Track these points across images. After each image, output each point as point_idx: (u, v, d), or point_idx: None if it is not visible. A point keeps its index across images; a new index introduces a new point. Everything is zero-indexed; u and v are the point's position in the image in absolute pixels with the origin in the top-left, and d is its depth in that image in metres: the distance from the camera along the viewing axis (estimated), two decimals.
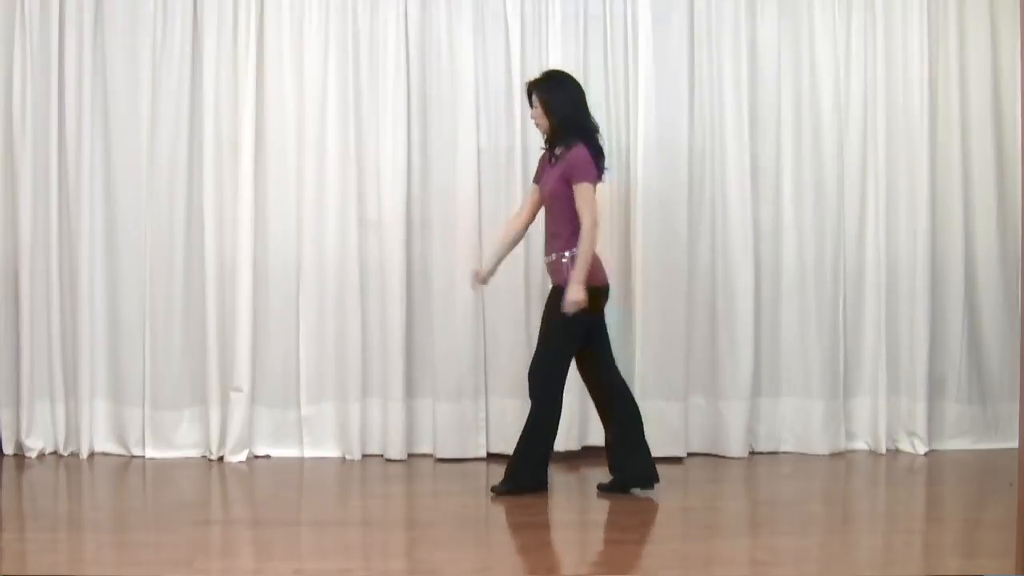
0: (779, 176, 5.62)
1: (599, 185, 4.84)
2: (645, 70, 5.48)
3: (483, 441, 5.51)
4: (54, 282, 5.43)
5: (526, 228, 5.06)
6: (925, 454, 5.58)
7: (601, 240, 5.50)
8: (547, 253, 4.88)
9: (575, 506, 4.89)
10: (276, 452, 5.55)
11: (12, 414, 5.47)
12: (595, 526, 4.56)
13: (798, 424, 5.63)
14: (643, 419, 4.92)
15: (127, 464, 5.45)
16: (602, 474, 5.37)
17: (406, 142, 5.48)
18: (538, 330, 4.92)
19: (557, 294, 4.77)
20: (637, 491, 4.87)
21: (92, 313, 5.46)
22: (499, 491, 4.83)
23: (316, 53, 5.46)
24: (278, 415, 5.55)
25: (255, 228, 5.46)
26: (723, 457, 5.56)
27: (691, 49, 5.55)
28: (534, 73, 5.47)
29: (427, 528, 4.54)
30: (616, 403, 4.91)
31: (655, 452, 5.46)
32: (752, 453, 5.62)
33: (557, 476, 5.16)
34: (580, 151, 4.73)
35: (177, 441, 5.51)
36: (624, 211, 5.57)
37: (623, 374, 5.56)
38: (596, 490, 4.91)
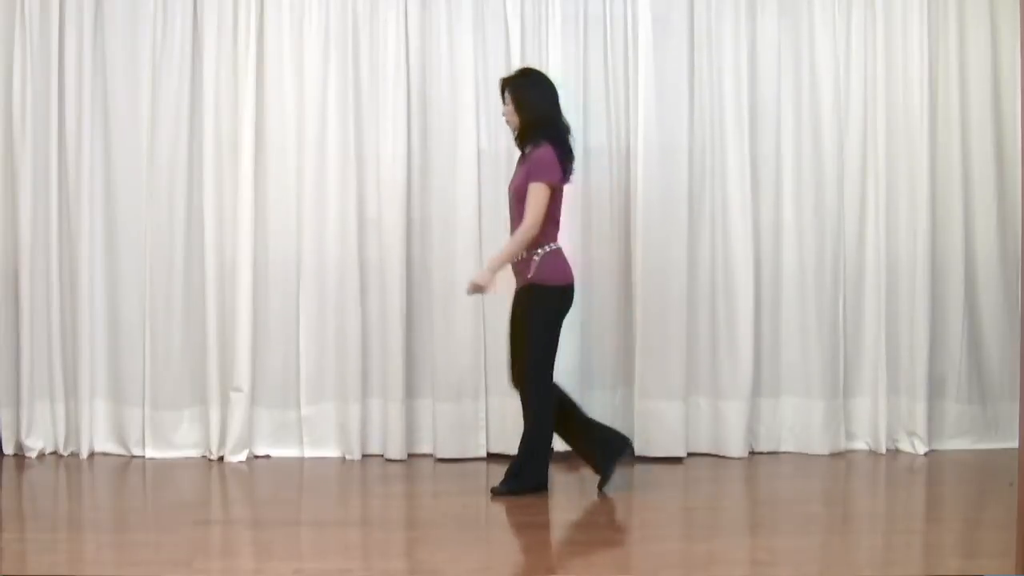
0: (779, 176, 5.62)
1: (568, 186, 4.86)
2: (645, 70, 5.48)
3: (483, 441, 5.51)
4: (54, 282, 5.43)
5: None
6: (925, 454, 5.58)
7: (599, 239, 5.56)
8: None
9: (575, 506, 4.89)
10: (276, 452, 5.55)
11: (12, 414, 5.47)
12: (595, 526, 4.56)
13: (798, 424, 5.63)
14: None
15: (127, 464, 5.45)
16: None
17: (406, 142, 5.48)
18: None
19: (527, 294, 4.77)
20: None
21: (92, 313, 5.47)
22: (499, 492, 4.83)
23: (316, 53, 5.46)
24: (278, 415, 5.56)
25: (255, 228, 5.47)
26: (723, 457, 5.56)
27: (691, 49, 5.55)
28: None
29: (427, 528, 4.54)
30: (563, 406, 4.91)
31: (655, 452, 5.49)
32: (752, 453, 5.62)
33: (557, 476, 5.16)
34: (546, 151, 4.72)
35: (177, 441, 5.51)
36: (624, 211, 5.57)
37: (624, 374, 5.60)
38: (598, 492, 4.90)
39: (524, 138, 4.84)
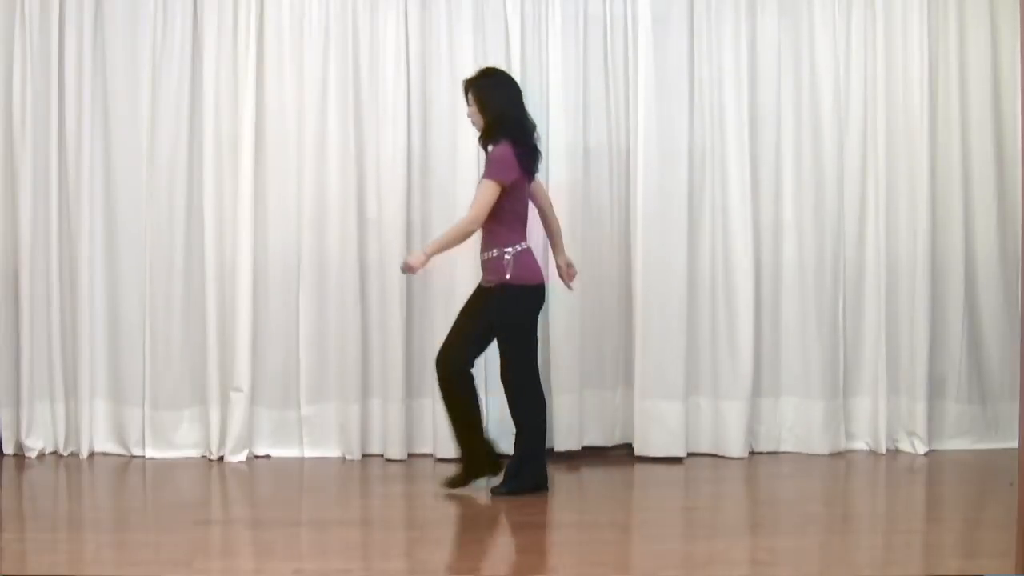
0: (779, 176, 5.62)
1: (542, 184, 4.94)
2: (645, 70, 5.48)
3: None
4: (54, 282, 5.43)
5: (546, 216, 5.06)
6: (925, 454, 5.58)
7: (599, 239, 5.56)
8: (484, 250, 4.84)
9: (575, 506, 4.89)
10: (276, 452, 5.55)
11: (12, 414, 5.46)
12: (595, 526, 4.55)
13: (798, 424, 5.63)
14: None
15: (127, 464, 5.45)
16: (603, 474, 5.39)
17: (406, 142, 5.48)
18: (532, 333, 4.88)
19: (504, 294, 4.76)
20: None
21: (92, 313, 5.46)
22: (499, 492, 4.83)
23: (316, 53, 5.46)
24: (278, 415, 5.56)
25: (255, 228, 5.46)
26: (723, 457, 5.56)
27: (691, 49, 5.55)
28: (534, 73, 5.51)
29: (427, 528, 4.54)
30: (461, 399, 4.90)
31: (656, 452, 5.49)
32: (752, 453, 5.61)
33: (557, 476, 5.16)
34: (502, 149, 4.72)
35: (177, 441, 5.51)
36: (624, 211, 5.58)
37: (624, 374, 5.59)
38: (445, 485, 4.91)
39: (487, 137, 4.84)
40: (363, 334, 5.48)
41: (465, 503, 4.83)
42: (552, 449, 5.48)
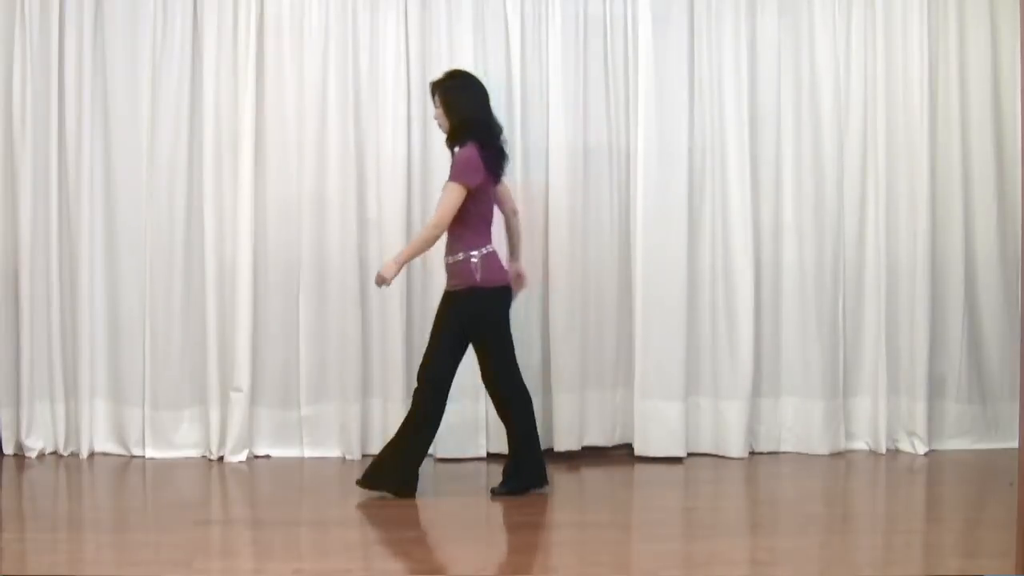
0: (779, 176, 5.62)
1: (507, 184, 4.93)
2: (645, 70, 5.48)
3: (483, 441, 5.51)
4: (54, 282, 5.43)
5: (509, 220, 5.04)
6: (925, 454, 5.58)
7: (599, 239, 5.56)
8: (449, 253, 4.83)
9: (575, 506, 4.89)
10: (276, 452, 5.55)
11: (12, 414, 5.47)
12: (595, 526, 4.55)
13: (798, 424, 5.63)
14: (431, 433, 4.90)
15: (127, 464, 5.45)
16: (603, 474, 5.39)
17: (406, 142, 5.48)
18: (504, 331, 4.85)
19: (474, 297, 4.75)
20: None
21: (92, 313, 5.46)
22: (498, 492, 4.83)
23: (316, 53, 5.46)
24: (278, 415, 5.56)
25: (255, 228, 5.46)
26: (723, 457, 5.56)
27: (691, 49, 5.55)
28: (534, 73, 5.51)
29: (427, 528, 4.54)
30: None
31: (656, 452, 5.49)
32: (752, 453, 5.62)
33: (557, 476, 5.16)
34: (467, 151, 4.71)
35: (177, 441, 5.51)
36: (624, 211, 5.58)
37: (624, 374, 5.59)
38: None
39: (453, 139, 4.82)
40: (363, 334, 5.48)
41: (465, 503, 4.83)
42: (552, 449, 5.48)
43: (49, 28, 5.38)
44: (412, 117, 5.50)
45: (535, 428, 4.93)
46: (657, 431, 5.49)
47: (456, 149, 4.80)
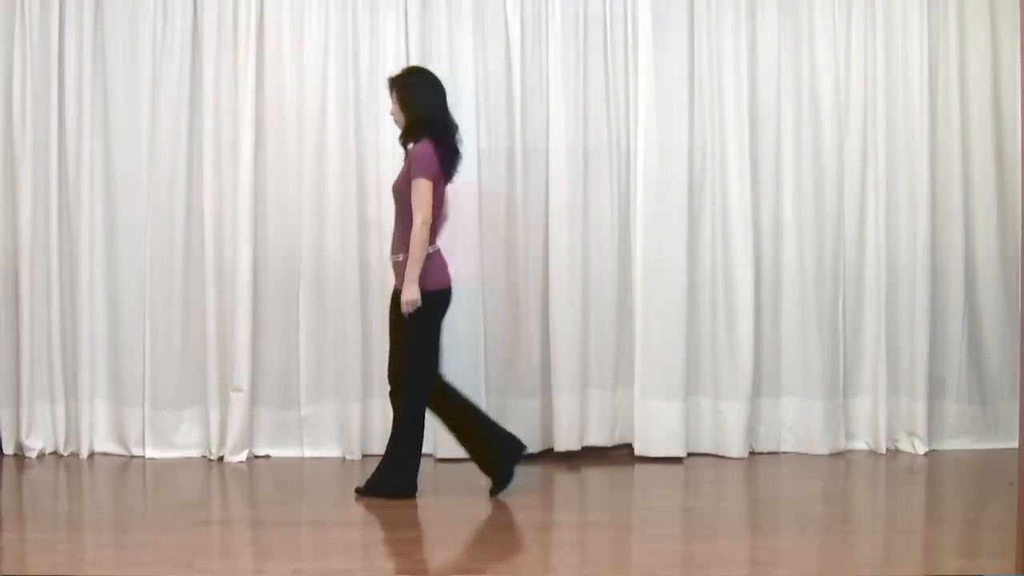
0: (779, 176, 5.62)
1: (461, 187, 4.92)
2: (645, 70, 5.48)
3: None
4: (54, 282, 5.43)
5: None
6: (925, 454, 5.58)
7: (599, 239, 5.56)
8: (394, 252, 4.81)
9: (575, 506, 4.89)
10: (276, 452, 5.55)
11: (12, 414, 5.47)
12: (595, 526, 4.56)
13: (798, 424, 5.63)
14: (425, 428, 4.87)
15: (127, 464, 5.45)
16: (603, 474, 5.39)
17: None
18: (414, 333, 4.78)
19: (399, 298, 4.73)
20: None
21: (92, 313, 5.47)
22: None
23: (316, 53, 5.46)
24: (278, 415, 5.56)
25: (255, 228, 5.46)
26: (723, 457, 5.56)
27: (691, 49, 5.55)
28: (534, 73, 5.51)
29: (427, 528, 4.54)
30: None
31: (656, 452, 5.49)
32: (752, 453, 5.62)
33: (557, 476, 5.16)
34: (423, 147, 4.69)
35: (177, 441, 5.51)
36: (624, 211, 5.58)
37: (624, 374, 5.59)
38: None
39: (407, 136, 4.81)
40: (363, 334, 5.48)
41: (465, 503, 4.83)
42: (552, 449, 5.49)
43: (49, 28, 5.38)
44: None
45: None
46: (657, 431, 5.49)
47: (410, 146, 4.79)
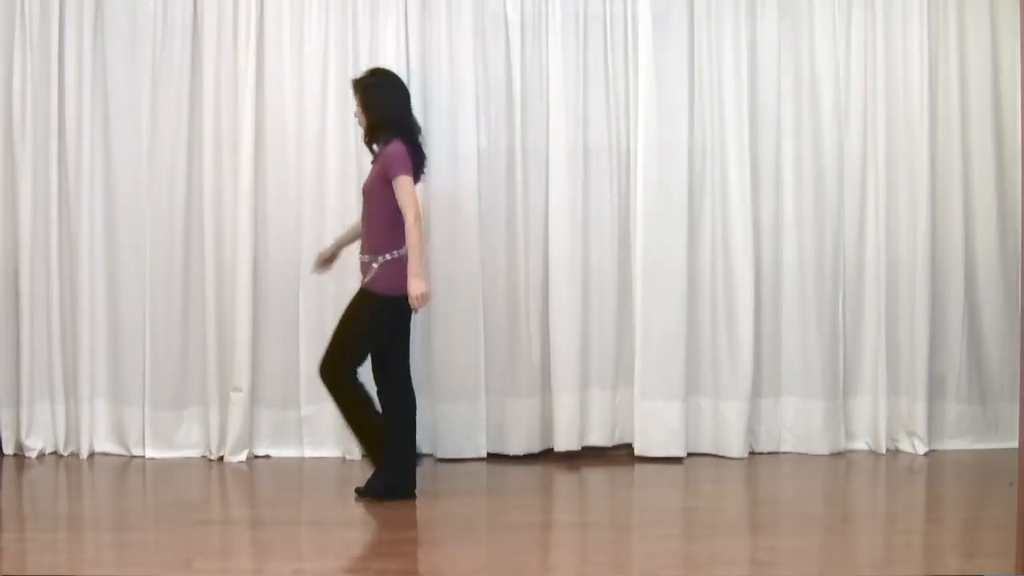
0: (779, 176, 5.62)
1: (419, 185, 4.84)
2: (645, 70, 5.48)
3: (483, 441, 5.51)
4: (54, 282, 5.43)
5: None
6: (925, 454, 5.58)
7: (599, 239, 5.56)
8: (361, 252, 4.81)
9: (575, 506, 4.89)
10: (276, 452, 5.55)
11: (12, 414, 5.47)
12: (595, 526, 4.56)
13: (798, 424, 5.63)
14: (416, 431, 4.86)
15: (127, 464, 5.45)
16: (603, 474, 5.39)
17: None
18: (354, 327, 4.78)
19: (363, 296, 4.73)
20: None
21: (92, 313, 5.46)
22: (362, 493, 4.81)
23: (316, 53, 5.46)
24: (278, 415, 5.55)
25: (255, 228, 5.46)
26: (723, 457, 5.56)
27: (691, 49, 5.55)
28: (534, 73, 5.51)
29: (427, 528, 4.54)
30: (388, 410, 4.84)
31: (656, 452, 5.49)
32: (752, 453, 5.61)
33: (557, 476, 5.16)
34: (396, 146, 4.68)
35: (177, 441, 5.51)
36: (624, 211, 5.58)
37: (624, 374, 5.58)
38: (354, 493, 4.84)
39: (372, 136, 4.80)
40: None
41: (465, 503, 4.83)
42: (552, 449, 5.49)
43: (49, 28, 5.38)
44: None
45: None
46: (657, 431, 5.49)
47: (376, 147, 4.79)
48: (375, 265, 4.69)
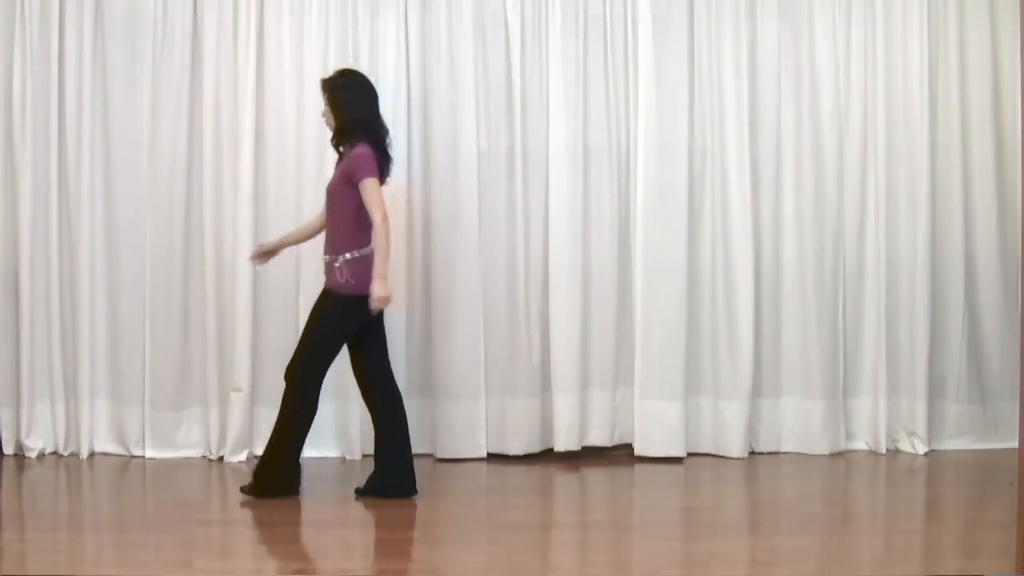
0: (779, 176, 5.62)
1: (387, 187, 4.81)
2: (645, 70, 5.48)
3: (483, 441, 5.51)
4: (54, 282, 5.43)
5: (322, 229, 4.96)
6: (925, 454, 5.58)
7: (599, 239, 5.56)
8: (324, 252, 4.81)
9: (575, 506, 4.89)
10: None
11: (12, 414, 5.46)
12: (595, 526, 4.56)
13: (798, 424, 5.63)
14: (408, 427, 4.87)
15: (127, 464, 5.45)
16: (603, 474, 5.39)
17: (406, 142, 5.47)
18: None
19: (326, 296, 4.74)
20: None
21: (92, 313, 5.46)
22: (246, 491, 4.79)
23: (316, 53, 5.46)
24: None
25: (255, 228, 5.46)
26: (723, 457, 5.56)
27: (691, 49, 5.55)
28: (534, 74, 5.51)
29: (427, 528, 4.54)
30: (380, 409, 4.85)
31: (656, 452, 5.49)
32: (752, 453, 5.62)
33: (557, 476, 5.16)
34: (362, 149, 4.67)
35: (177, 441, 5.51)
36: (624, 211, 5.58)
37: (624, 374, 5.58)
38: (354, 493, 4.84)
39: (340, 138, 4.80)
40: None
41: (465, 503, 4.83)
42: (552, 449, 5.49)
43: (49, 28, 5.38)
44: (412, 117, 5.49)
45: (302, 440, 4.82)
46: (657, 431, 5.49)
47: (343, 148, 4.78)
48: (337, 265, 4.69)
